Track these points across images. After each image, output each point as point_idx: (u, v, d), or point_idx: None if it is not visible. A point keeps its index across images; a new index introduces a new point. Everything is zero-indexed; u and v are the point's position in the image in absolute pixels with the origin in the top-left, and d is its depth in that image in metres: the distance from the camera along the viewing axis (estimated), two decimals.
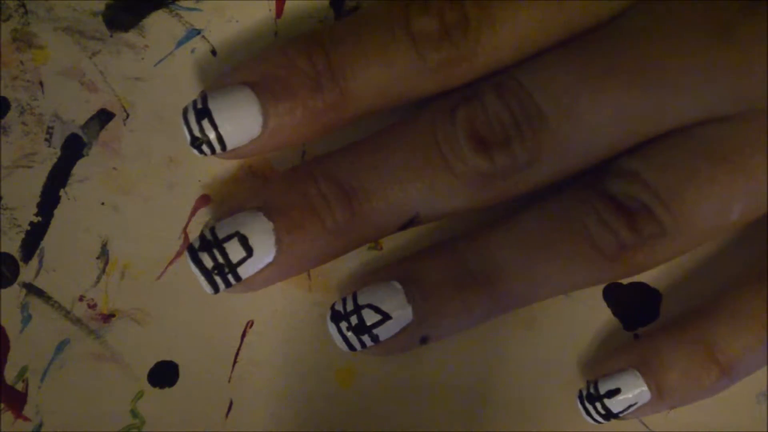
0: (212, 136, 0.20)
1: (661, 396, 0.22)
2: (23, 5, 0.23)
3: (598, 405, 0.22)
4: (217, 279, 0.21)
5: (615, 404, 0.22)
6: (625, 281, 0.24)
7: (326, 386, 0.24)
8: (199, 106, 0.20)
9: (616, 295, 0.24)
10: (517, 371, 0.24)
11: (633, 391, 0.22)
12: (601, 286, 0.24)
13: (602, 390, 0.22)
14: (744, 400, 0.24)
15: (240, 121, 0.20)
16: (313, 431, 0.24)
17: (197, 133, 0.20)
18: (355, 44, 0.20)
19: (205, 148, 0.21)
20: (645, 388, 0.22)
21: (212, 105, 0.20)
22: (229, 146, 0.21)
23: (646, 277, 0.24)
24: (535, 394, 0.24)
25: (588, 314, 0.24)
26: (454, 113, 0.20)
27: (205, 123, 0.20)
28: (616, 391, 0.22)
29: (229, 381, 0.23)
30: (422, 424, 0.24)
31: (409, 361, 0.24)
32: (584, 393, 0.23)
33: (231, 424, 0.23)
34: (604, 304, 0.24)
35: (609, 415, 0.22)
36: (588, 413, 0.23)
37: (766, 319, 0.21)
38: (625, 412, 0.22)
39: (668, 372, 0.22)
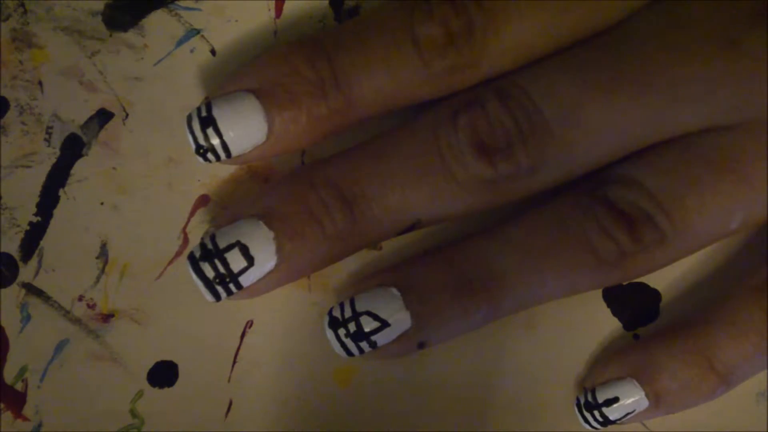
0: (217, 143, 0.20)
1: (658, 404, 0.22)
2: (22, 5, 0.23)
3: (596, 413, 0.22)
4: (219, 288, 0.21)
5: (613, 412, 0.22)
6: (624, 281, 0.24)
7: (325, 386, 0.24)
8: (204, 114, 0.20)
9: (616, 296, 0.24)
10: (517, 371, 0.24)
11: (631, 398, 0.22)
12: None
13: (600, 398, 0.22)
14: (744, 400, 0.24)
15: (245, 129, 0.20)
16: (313, 431, 0.24)
17: (202, 142, 0.20)
18: (358, 51, 0.20)
19: (210, 156, 0.21)
20: (643, 396, 0.22)
21: (216, 113, 0.20)
22: (234, 153, 0.21)
23: (645, 277, 0.24)
24: (534, 394, 0.24)
25: (588, 315, 0.24)
26: (456, 119, 0.20)
27: (210, 131, 0.20)
28: (614, 400, 0.22)
29: (228, 381, 0.23)
30: (421, 424, 0.24)
31: (408, 361, 0.24)
32: (582, 401, 0.23)
33: (230, 424, 0.23)
34: (603, 305, 0.24)
35: (607, 422, 0.22)
36: (586, 421, 0.23)
37: (765, 329, 0.21)
38: (623, 419, 0.22)
39: (666, 381, 0.22)
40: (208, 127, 0.20)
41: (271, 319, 0.23)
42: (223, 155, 0.21)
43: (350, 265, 0.23)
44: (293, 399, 0.24)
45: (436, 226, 0.23)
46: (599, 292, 0.24)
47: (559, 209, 0.21)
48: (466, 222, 0.23)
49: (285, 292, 0.23)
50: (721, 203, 0.20)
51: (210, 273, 0.20)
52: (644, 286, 0.24)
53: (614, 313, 0.24)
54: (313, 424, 0.24)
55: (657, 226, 0.20)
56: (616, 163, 0.21)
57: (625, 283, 0.24)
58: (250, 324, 0.23)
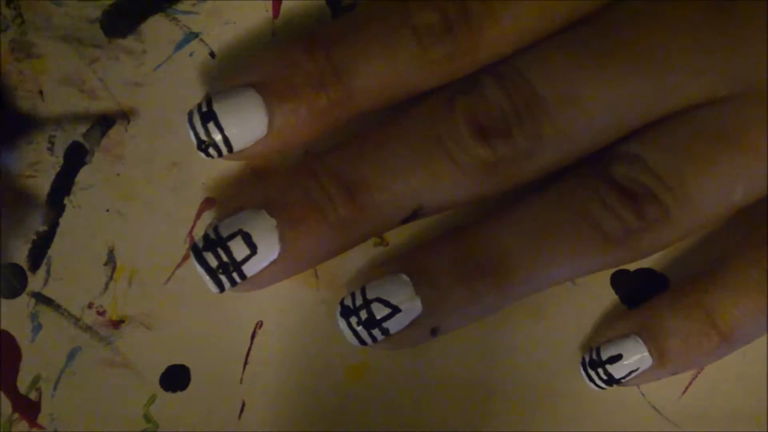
0: (218, 138, 0.20)
1: (662, 361, 0.22)
2: (20, 15, 0.23)
3: (600, 371, 0.23)
4: (223, 278, 0.21)
5: (617, 370, 0.22)
6: (631, 267, 0.24)
7: (337, 383, 0.24)
8: (204, 109, 0.20)
9: (623, 282, 0.24)
10: (526, 362, 0.24)
11: (634, 356, 0.22)
12: (608, 274, 0.24)
13: (604, 356, 0.23)
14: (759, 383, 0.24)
15: (246, 123, 0.20)
16: (326, 429, 0.24)
17: (203, 137, 0.20)
18: (356, 40, 0.20)
19: (211, 151, 0.21)
20: (646, 353, 0.22)
21: (217, 108, 0.20)
22: (236, 148, 0.21)
23: (651, 262, 0.24)
24: (543, 385, 0.24)
25: (595, 303, 0.24)
26: (454, 104, 0.20)
27: (211, 126, 0.20)
28: (617, 357, 0.22)
29: (240, 382, 0.24)
30: (432, 418, 0.24)
31: (418, 356, 0.24)
32: (586, 359, 0.23)
33: (244, 425, 0.24)
34: (610, 293, 0.24)
35: (611, 380, 0.23)
36: (590, 379, 0.23)
37: (765, 287, 0.21)
38: (627, 378, 0.22)
39: (669, 337, 0.22)
40: (209, 122, 0.20)
41: (281, 319, 0.24)
42: (224, 150, 0.21)
43: (357, 261, 0.23)
44: (306, 397, 0.24)
45: (442, 220, 0.23)
46: (606, 280, 0.24)
47: (563, 189, 0.21)
48: (471, 211, 0.23)
49: (293, 291, 0.23)
50: (722, 176, 0.20)
51: (213, 262, 0.20)
52: (651, 273, 0.24)
53: (622, 300, 0.24)
54: (326, 422, 0.24)
55: (660, 201, 0.20)
56: (617, 142, 0.21)
57: (632, 270, 0.24)
58: (259, 325, 0.24)
